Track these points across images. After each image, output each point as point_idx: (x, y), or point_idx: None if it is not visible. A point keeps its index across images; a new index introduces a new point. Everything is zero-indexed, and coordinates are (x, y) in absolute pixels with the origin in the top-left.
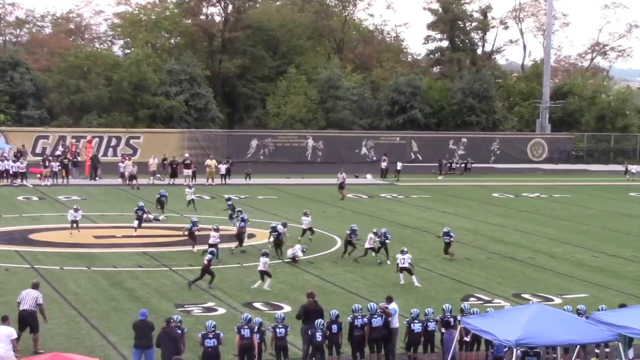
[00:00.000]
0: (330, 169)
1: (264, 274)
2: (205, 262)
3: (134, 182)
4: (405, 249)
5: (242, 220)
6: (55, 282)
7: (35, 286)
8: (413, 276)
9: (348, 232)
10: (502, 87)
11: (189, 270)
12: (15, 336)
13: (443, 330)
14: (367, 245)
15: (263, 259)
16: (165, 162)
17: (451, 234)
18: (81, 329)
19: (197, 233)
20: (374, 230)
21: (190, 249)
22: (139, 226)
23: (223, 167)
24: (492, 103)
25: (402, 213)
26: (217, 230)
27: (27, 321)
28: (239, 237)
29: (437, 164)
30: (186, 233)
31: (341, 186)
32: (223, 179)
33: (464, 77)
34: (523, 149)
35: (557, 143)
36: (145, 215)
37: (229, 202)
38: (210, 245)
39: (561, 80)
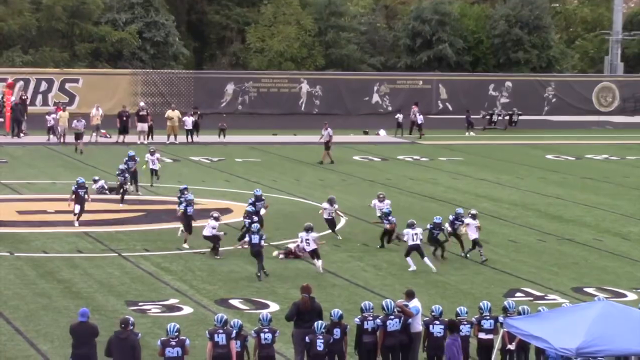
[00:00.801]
0: (330, 122)
1: (314, 254)
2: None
3: (79, 142)
4: (414, 222)
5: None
6: None
7: None
8: (425, 258)
9: (451, 218)
10: (560, 14)
11: (142, 256)
12: None
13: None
14: (472, 236)
15: (312, 235)
16: (141, 112)
17: (390, 217)
18: (1, 334)
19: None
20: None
21: (179, 229)
22: (81, 213)
23: (189, 120)
24: (545, 35)
25: (427, 181)
26: (217, 219)
27: None
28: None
29: (479, 116)
30: (179, 214)
31: (327, 146)
32: (189, 136)
33: (509, 0)
34: (587, 95)
35: (632, 88)
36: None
37: (99, 184)
38: (205, 238)
39: (638, 4)
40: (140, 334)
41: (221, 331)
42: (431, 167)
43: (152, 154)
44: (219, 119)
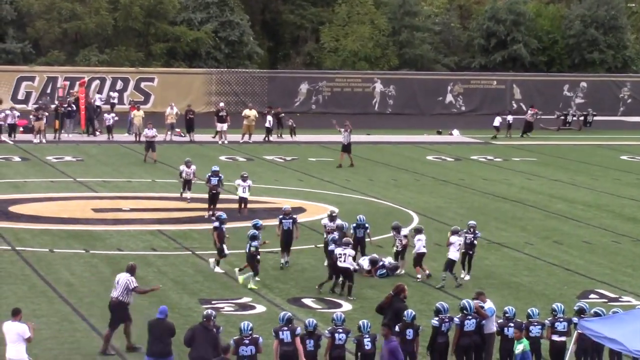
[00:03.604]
0: (404, 122)
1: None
2: None
3: (150, 154)
4: (422, 228)
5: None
6: (42, 269)
7: (129, 269)
8: (424, 273)
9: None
10: (636, 14)
11: (214, 254)
12: (29, 335)
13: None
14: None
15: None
16: (221, 112)
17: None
18: (77, 330)
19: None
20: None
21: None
22: None
23: (269, 119)
24: (622, 35)
25: (500, 181)
26: (349, 245)
27: (113, 312)
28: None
29: (553, 117)
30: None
31: (347, 148)
32: (267, 135)
33: (584, 0)
34: None
35: None
36: None
37: None
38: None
39: None
40: (222, 328)
41: (285, 328)
42: (505, 168)
43: (244, 179)
44: (293, 118)
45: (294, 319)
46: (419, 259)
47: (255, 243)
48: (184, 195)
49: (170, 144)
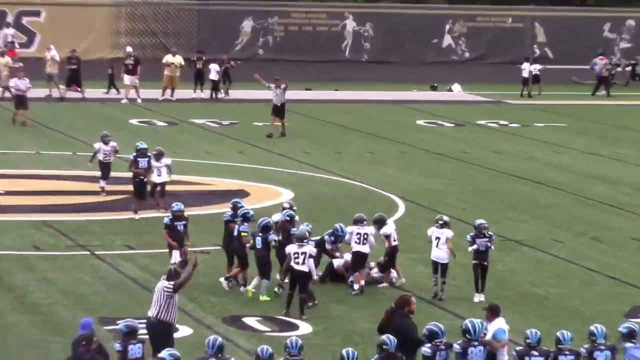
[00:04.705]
0: (385, 74)
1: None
2: None
3: (21, 111)
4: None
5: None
6: None
7: (169, 276)
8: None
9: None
10: None
11: (123, 255)
12: None
13: None
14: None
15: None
16: (128, 61)
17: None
18: None
19: None
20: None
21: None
22: None
23: (215, 69)
24: None
25: (517, 156)
26: (305, 240)
27: (153, 337)
28: None
29: (589, 67)
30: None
31: (278, 111)
32: (214, 92)
33: None
34: None
35: None
36: None
37: None
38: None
39: None
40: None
41: None
42: (524, 137)
43: (158, 158)
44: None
45: (224, 346)
46: (356, 260)
47: (272, 236)
48: (102, 184)
49: (60, 102)
